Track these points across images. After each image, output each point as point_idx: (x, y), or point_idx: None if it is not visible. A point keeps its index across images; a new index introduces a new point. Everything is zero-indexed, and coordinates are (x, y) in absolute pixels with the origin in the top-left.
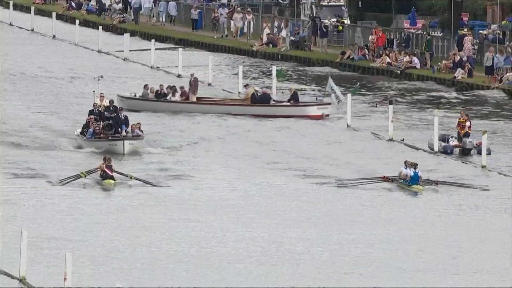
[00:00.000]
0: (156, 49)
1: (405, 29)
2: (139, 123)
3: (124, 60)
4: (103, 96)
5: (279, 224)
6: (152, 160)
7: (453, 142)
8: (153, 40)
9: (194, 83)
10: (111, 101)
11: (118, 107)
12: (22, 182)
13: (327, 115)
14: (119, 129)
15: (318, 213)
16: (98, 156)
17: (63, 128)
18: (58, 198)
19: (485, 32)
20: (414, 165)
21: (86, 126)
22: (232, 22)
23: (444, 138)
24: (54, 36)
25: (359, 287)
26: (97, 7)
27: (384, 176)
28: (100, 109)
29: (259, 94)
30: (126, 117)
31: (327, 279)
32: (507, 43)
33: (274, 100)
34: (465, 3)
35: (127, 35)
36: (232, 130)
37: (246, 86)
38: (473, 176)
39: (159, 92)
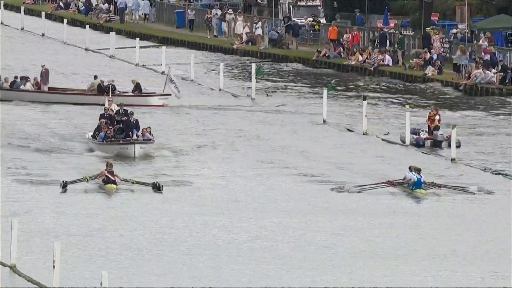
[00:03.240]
0: (140, 47)
1: (378, 28)
2: (149, 127)
3: (110, 57)
4: (111, 100)
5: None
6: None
7: (423, 135)
8: (137, 39)
9: (45, 74)
10: (121, 105)
11: (129, 111)
12: (26, 182)
13: (167, 105)
14: (130, 133)
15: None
16: (109, 160)
17: (65, 129)
18: (52, 193)
19: (454, 31)
20: (418, 170)
21: (97, 130)
22: (224, 23)
23: (415, 132)
24: (43, 35)
25: (358, 287)
26: (83, 7)
27: (389, 181)
28: (110, 112)
29: (105, 85)
30: (136, 121)
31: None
32: (475, 41)
33: (118, 91)
34: (435, 4)
35: (113, 33)
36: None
37: (95, 77)
38: (443, 168)
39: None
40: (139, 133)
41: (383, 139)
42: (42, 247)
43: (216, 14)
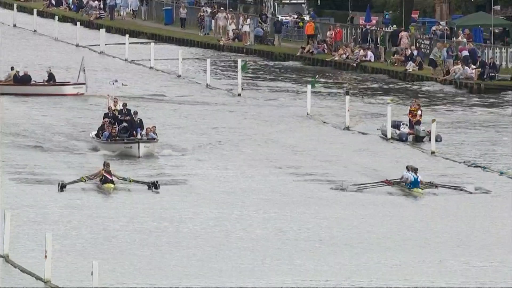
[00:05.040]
0: (130, 43)
1: (361, 25)
2: (154, 126)
3: (100, 53)
4: (117, 101)
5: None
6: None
7: (404, 129)
8: (127, 35)
9: None
10: (125, 104)
11: (133, 110)
12: (27, 181)
13: (82, 94)
14: (134, 132)
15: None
16: (113, 159)
17: (68, 127)
18: (49, 190)
19: (434, 28)
20: (415, 170)
21: (101, 129)
22: (213, 21)
23: (395, 125)
24: (35, 31)
25: (357, 287)
26: (73, 5)
27: (387, 180)
28: (114, 112)
29: (20, 75)
30: (141, 120)
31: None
32: (454, 38)
33: (34, 81)
34: (415, 1)
35: (103, 30)
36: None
37: (12, 68)
38: (422, 162)
39: None
40: (143, 132)
41: (381, 132)
42: (35, 237)
43: (206, 11)
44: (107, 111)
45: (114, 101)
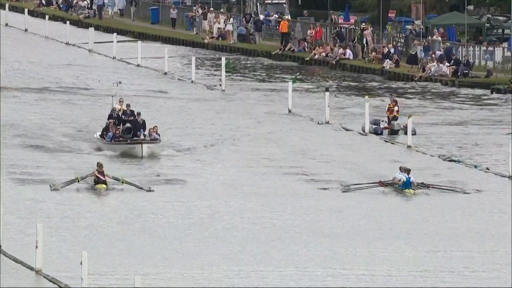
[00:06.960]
0: (118, 41)
1: (340, 24)
2: (156, 126)
3: (89, 51)
4: (122, 101)
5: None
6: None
7: (383, 125)
8: (115, 34)
9: None
10: (128, 105)
11: (136, 111)
12: (24, 180)
13: None
14: (138, 132)
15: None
16: (117, 159)
17: (72, 128)
18: (43, 188)
19: (409, 27)
20: (408, 171)
21: (105, 130)
22: (204, 21)
23: (375, 122)
24: (26, 30)
25: (356, 287)
26: (65, 4)
27: (380, 181)
28: (119, 113)
29: None
30: (143, 121)
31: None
32: (429, 37)
33: None
34: (392, 1)
35: (91, 29)
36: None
37: None
38: (399, 154)
39: None
40: (146, 132)
41: (361, 128)
42: (26, 228)
43: (197, 11)
44: (111, 112)
45: (120, 101)
